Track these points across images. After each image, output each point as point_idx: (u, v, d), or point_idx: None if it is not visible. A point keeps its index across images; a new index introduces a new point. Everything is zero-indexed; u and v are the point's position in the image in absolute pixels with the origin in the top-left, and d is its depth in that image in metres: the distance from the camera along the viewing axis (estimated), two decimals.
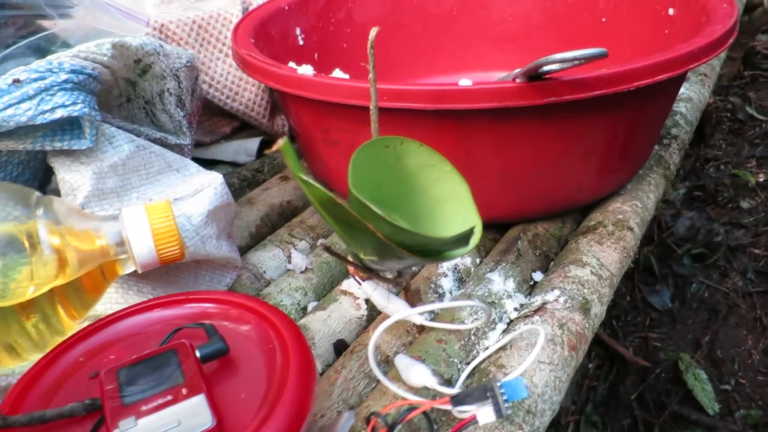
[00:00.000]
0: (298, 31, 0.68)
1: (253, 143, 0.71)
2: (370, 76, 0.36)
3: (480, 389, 0.30)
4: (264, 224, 0.60)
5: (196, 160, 0.71)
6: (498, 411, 0.29)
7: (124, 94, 0.47)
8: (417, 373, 0.37)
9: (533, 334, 0.42)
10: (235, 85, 0.68)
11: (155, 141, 0.49)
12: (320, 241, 0.57)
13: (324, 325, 0.46)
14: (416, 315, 0.40)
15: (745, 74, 1.66)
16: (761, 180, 1.39)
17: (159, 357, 0.32)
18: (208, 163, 0.71)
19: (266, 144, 0.73)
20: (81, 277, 0.36)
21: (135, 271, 0.41)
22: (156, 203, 0.38)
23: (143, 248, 0.36)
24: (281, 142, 0.32)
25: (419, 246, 0.34)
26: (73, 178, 0.40)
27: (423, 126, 0.46)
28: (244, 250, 0.56)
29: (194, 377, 0.31)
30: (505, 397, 0.30)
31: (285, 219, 0.62)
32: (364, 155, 0.34)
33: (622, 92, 0.44)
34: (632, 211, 0.57)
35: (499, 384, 0.30)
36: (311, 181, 0.32)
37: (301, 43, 0.68)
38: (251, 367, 0.33)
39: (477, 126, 0.46)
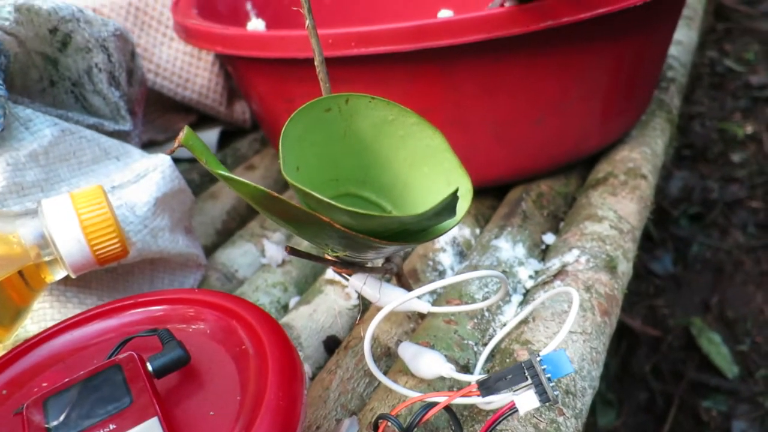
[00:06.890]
0: (249, 6, 0.61)
1: (212, 135, 0.64)
2: (308, 23, 0.28)
3: (515, 369, 0.23)
4: (231, 219, 0.53)
5: None
6: (543, 394, 0.22)
7: (45, 76, 0.40)
8: (428, 361, 0.30)
9: (558, 301, 0.36)
10: (184, 71, 0.61)
11: (89, 128, 0.41)
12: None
13: (310, 320, 0.39)
14: (417, 301, 0.33)
15: (719, 28, 1.62)
16: (749, 132, 1.35)
17: (99, 376, 0.25)
18: None
19: (227, 134, 0.66)
20: None
21: (73, 279, 0.33)
22: (83, 189, 0.30)
23: (71, 244, 0.29)
24: (182, 136, 0.25)
25: (393, 229, 0.27)
26: None
27: (398, 77, 0.39)
28: (210, 250, 0.49)
29: (145, 398, 0.24)
30: (548, 375, 0.23)
31: (254, 210, 0.54)
32: (301, 127, 0.27)
33: (628, 10, 0.38)
34: (642, 158, 0.50)
35: (539, 359, 0.23)
36: (235, 176, 0.25)
37: (253, 19, 0.61)
38: (220, 377, 0.26)
39: (463, 69, 0.39)
